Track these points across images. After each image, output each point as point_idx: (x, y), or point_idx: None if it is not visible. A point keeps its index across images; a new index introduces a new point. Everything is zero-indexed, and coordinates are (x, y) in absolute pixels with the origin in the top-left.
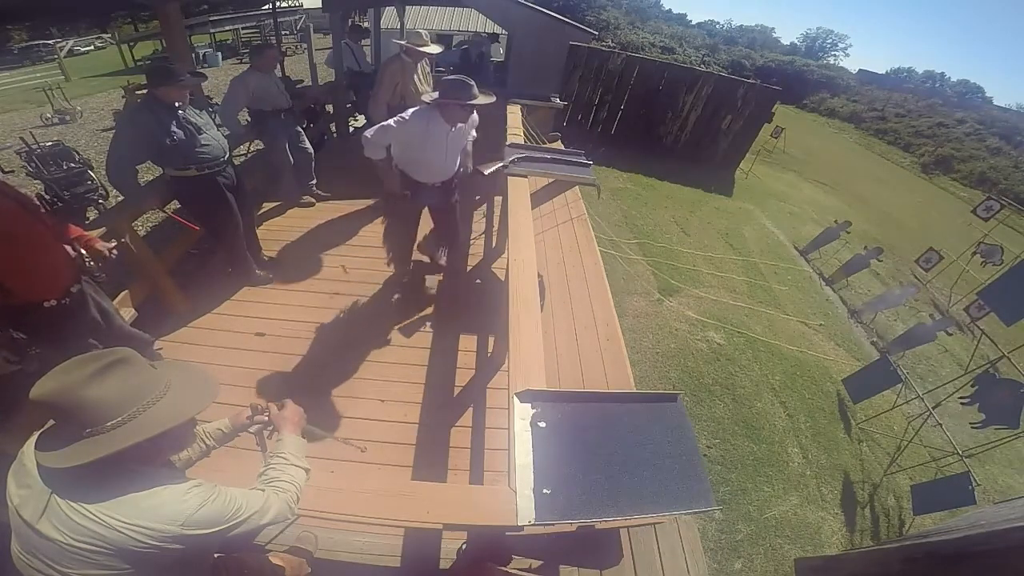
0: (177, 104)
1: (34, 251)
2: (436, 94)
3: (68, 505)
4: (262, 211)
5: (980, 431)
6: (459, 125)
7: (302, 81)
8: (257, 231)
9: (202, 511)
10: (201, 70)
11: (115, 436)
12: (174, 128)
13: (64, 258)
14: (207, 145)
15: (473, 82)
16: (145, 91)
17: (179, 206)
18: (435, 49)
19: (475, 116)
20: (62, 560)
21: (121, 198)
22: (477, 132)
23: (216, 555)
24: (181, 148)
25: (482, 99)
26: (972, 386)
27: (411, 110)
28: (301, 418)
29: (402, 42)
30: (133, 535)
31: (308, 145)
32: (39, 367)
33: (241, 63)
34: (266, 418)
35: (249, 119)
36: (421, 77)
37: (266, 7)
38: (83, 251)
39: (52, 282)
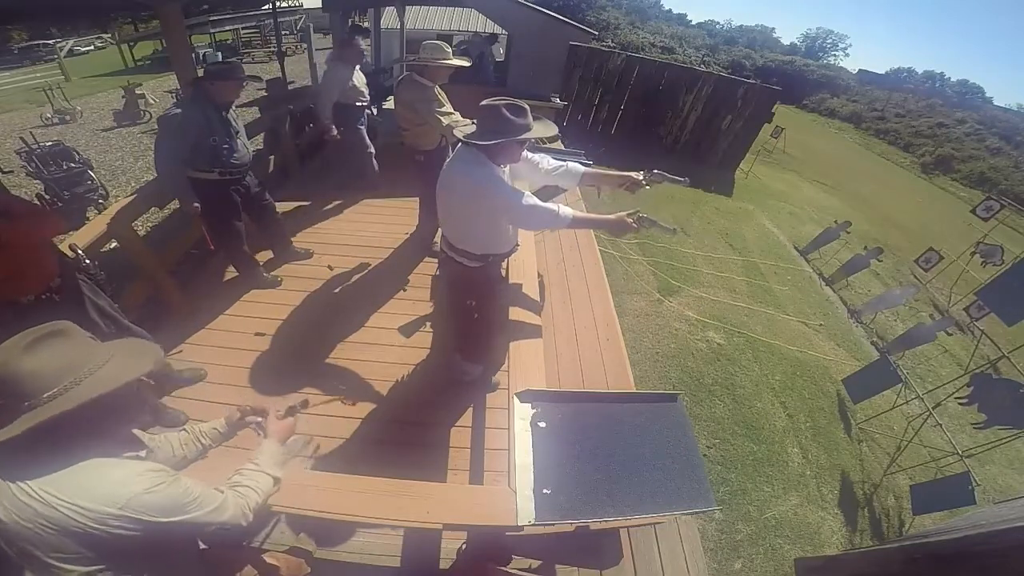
0: (227, 103)
1: (14, 252)
2: (473, 128)
3: (16, 485)
4: None
5: (981, 431)
6: (508, 168)
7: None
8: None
9: (149, 496)
10: (201, 70)
11: (51, 406)
12: (220, 128)
13: (44, 253)
14: (238, 152)
15: (526, 105)
16: (194, 88)
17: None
18: (464, 62)
19: (526, 153)
20: (20, 541)
21: (120, 197)
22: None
23: (203, 547)
24: (218, 150)
25: (539, 129)
26: (968, 386)
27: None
28: (287, 430)
29: (413, 59)
30: (70, 514)
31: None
32: None
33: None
34: (259, 419)
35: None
36: (444, 99)
37: (266, 7)
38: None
39: (32, 279)
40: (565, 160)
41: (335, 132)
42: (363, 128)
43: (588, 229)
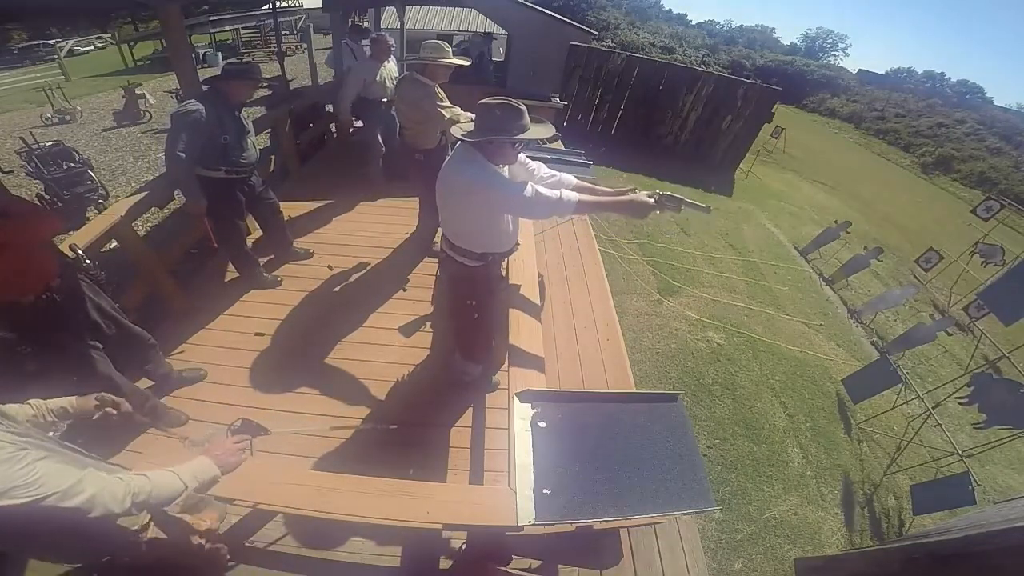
0: (240, 102)
1: (14, 252)
2: (471, 126)
3: None
4: None
5: (981, 431)
6: (507, 168)
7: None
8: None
9: None
10: (201, 70)
11: None
12: (231, 127)
13: (44, 254)
14: (247, 151)
15: (523, 107)
16: (208, 86)
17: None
18: (464, 61)
19: (522, 157)
20: None
21: (120, 197)
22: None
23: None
24: (229, 148)
25: (537, 131)
26: (968, 386)
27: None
28: (226, 452)
29: (414, 58)
30: None
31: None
32: (37, 367)
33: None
34: (114, 412)
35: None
36: (444, 98)
37: (266, 7)
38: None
39: (32, 280)
40: (559, 172)
41: (356, 124)
42: (380, 126)
43: (602, 212)
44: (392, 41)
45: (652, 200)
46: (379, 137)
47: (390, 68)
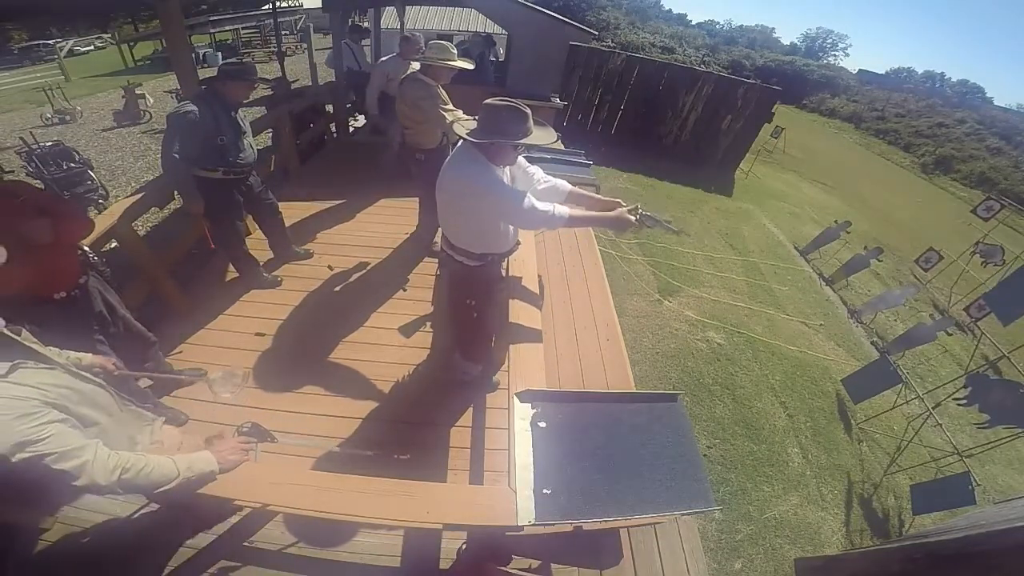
0: (238, 103)
1: (58, 250)
2: (474, 125)
3: None
4: None
5: (984, 431)
6: (507, 170)
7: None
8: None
9: None
10: (201, 70)
11: None
12: (228, 127)
13: (74, 252)
14: (244, 151)
15: (528, 110)
16: (205, 86)
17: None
18: (468, 65)
19: (521, 160)
20: None
21: (120, 197)
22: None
23: None
24: (226, 149)
25: (539, 135)
26: (964, 387)
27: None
28: (231, 452)
29: (418, 58)
30: None
31: None
32: None
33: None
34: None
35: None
36: (446, 99)
37: (266, 7)
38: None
39: (65, 275)
40: (554, 177)
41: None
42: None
43: (588, 227)
44: (422, 44)
45: (634, 218)
46: (397, 136)
47: (413, 68)
